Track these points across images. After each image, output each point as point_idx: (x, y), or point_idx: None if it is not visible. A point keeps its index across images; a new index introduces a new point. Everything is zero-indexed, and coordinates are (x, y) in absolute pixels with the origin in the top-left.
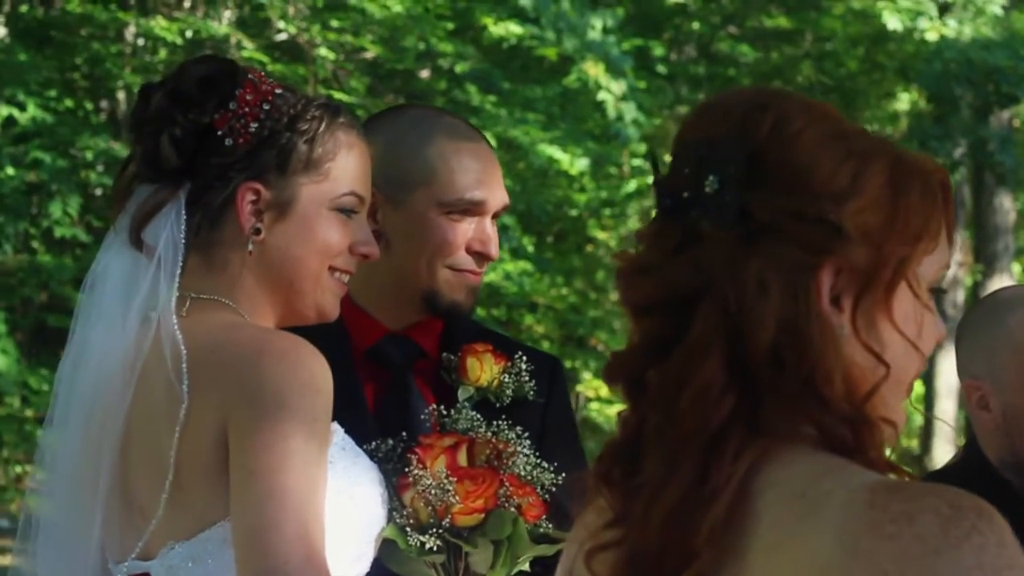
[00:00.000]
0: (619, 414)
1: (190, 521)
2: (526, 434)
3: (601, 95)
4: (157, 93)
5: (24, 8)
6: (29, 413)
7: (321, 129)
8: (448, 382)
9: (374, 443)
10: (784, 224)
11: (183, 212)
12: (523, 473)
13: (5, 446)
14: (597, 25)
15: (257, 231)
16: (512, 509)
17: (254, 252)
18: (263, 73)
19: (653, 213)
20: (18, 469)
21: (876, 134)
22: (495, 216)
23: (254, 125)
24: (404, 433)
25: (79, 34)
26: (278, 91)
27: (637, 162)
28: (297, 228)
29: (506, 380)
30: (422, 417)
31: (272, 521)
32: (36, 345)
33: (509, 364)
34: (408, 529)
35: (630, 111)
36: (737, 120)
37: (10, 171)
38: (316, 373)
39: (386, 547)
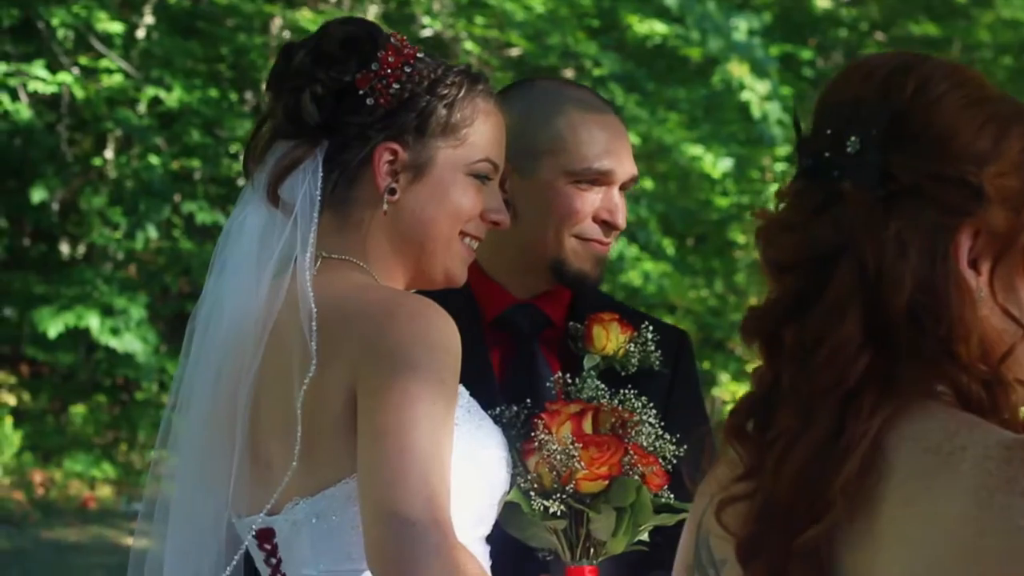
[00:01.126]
0: (754, 370)
1: (315, 478)
2: (651, 404)
3: (745, 95)
4: (300, 51)
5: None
6: (167, 400)
7: (460, 95)
8: (574, 351)
9: (499, 408)
10: (924, 185)
11: (320, 169)
12: (647, 443)
13: (142, 431)
14: (742, 27)
15: (392, 191)
16: (636, 477)
17: (388, 212)
18: (405, 38)
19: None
20: (153, 454)
21: (1018, 101)
22: (623, 187)
23: (395, 86)
24: (529, 400)
25: (225, 25)
26: (419, 55)
27: (780, 166)
28: (431, 190)
29: (632, 349)
30: (548, 385)
31: (399, 480)
32: (176, 332)
33: (635, 334)
34: (532, 493)
35: (775, 112)
36: (880, 82)
37: (154, 159)
38: (446, 334)
39: (508, 511)
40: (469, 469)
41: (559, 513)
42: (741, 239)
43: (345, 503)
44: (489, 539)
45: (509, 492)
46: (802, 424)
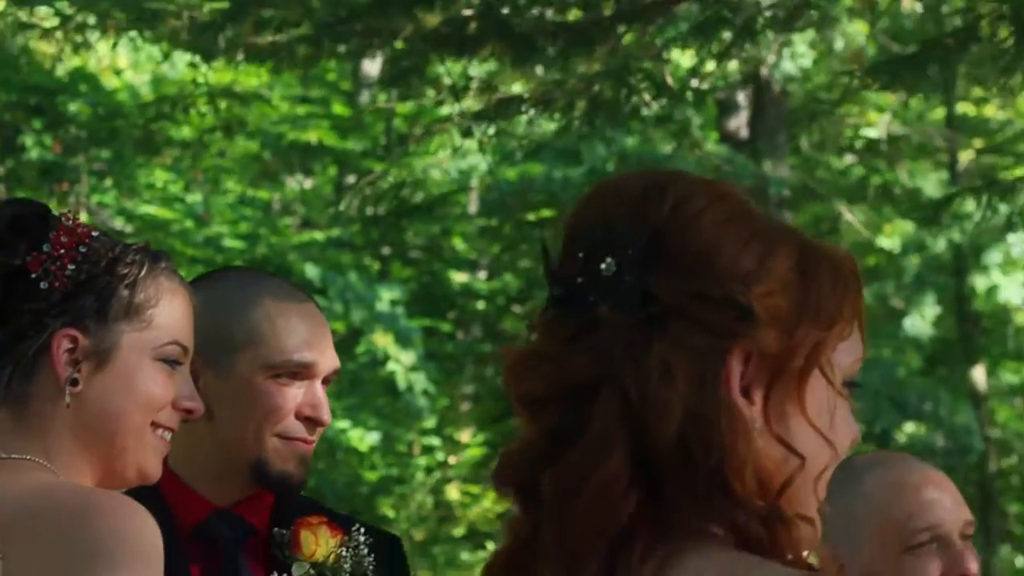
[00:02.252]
0: (509, 521)
1: None
2: None
3: (391, 366)
4: None
5: None
6: None
7: (142, 274)
8: (281, 559)
9: None
10: (689, 306)
11: None
12: None
13: None
14: (385, 296)
15: (74, 382)
16: None
17: (71, 405)
18: (77, 218)
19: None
20: None
21: (781, 221)
22: (326, 381)
23: (71, 267)
24: None
25: None
26: (95, 234)
27: (427, 440)
28: (118, 379)
29: (344, 554)
30: None
31: None
32: None
33: (346, 537)
34: None
35: (420, 381)
36: (633, 200)
37: None
38: (147, 533)
39: None
40: None
41: None
42: (391, 513)
43: None
44: None
45: None
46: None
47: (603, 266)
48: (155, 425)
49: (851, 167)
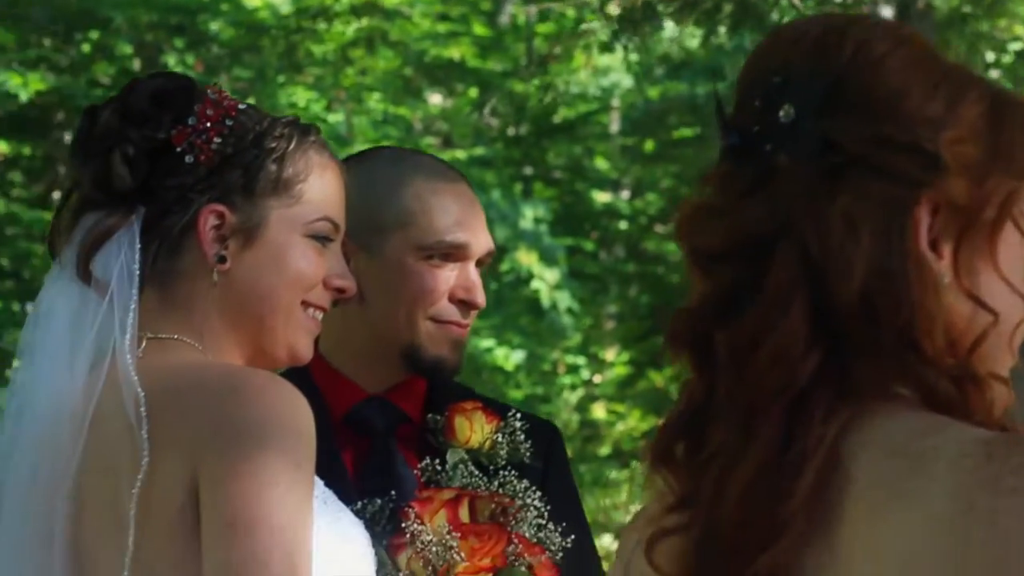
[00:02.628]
0: (683, 383)
1: None
2: (534, 488)
3: (535, 283)
4: (105, 111)
5: None
6: None
7: (291, 148)
8: (435, 446)
9: (360, 503)
10: (873, 154)
11: (137, 240)
12: (530, 533)
13: None
14: (528, 215)
15: (222, 259)
16: (523, 569)
17: (219, 284)
18: (223, 90)
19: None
20: None
21: (967, 67)
22: (480, 263)
23: (217, 141)
24: (394, 492)
25: (4, 233)
26: (241, 107)
27: (572, 359)
28: (267, 256)
29: (499, 440)
30: (409, 485)
31: None
32: None
33: (502, 423)
34: None
35: (564, 299)
36: (812, 45)
37: None
38: (298, 412)
39: None
40: (330, 567)
41: None
42: None
43: None
44: None
45: None
46: (743, 439)
47: (781, 113)
48: (306, 304)
49: (999, 80)
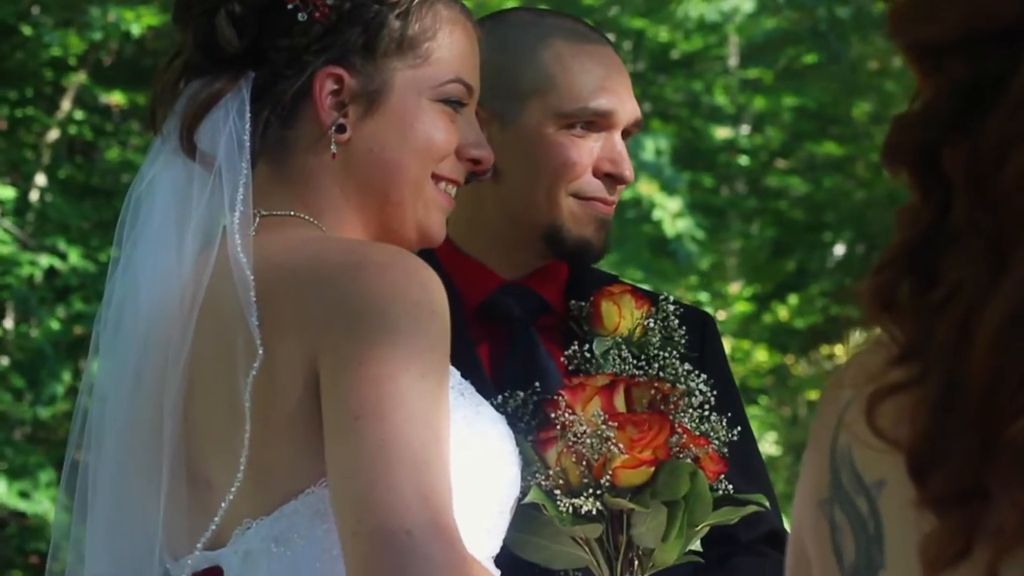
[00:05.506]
0: (901, 209)
1: (271, 491)
2: (696, 372)
3: (657, 213)
4: None
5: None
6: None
7: (416, 1)
8: (580, 335)
9: (500, 396)
10: None
11: (247, 107)
12: (692, 424)
13: None
14: (649, 146)
15: (341, 128)
16: (688, 462)
17: (338, 155)
18: None
19: None
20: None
21: None
22: (626, 134)
23: None
24: (538, 384)
25: (121, 182)
26: None
27: (694, 295)
28: (391, 124)
29: (651, 326)
30: (553, 379)
31: (386, 478)
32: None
33: (653, 309)
34: (557, 492)
35: (688, 227)
36: None
37: (55, 325)
38: (430, 289)
39: (522, 528)
40: (470, 466)
41: (594, 513)
42: None
43: (312, 520)
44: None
45: (522, 496)
46: (992, 271)
47: None
48: (436, 177)
49: None
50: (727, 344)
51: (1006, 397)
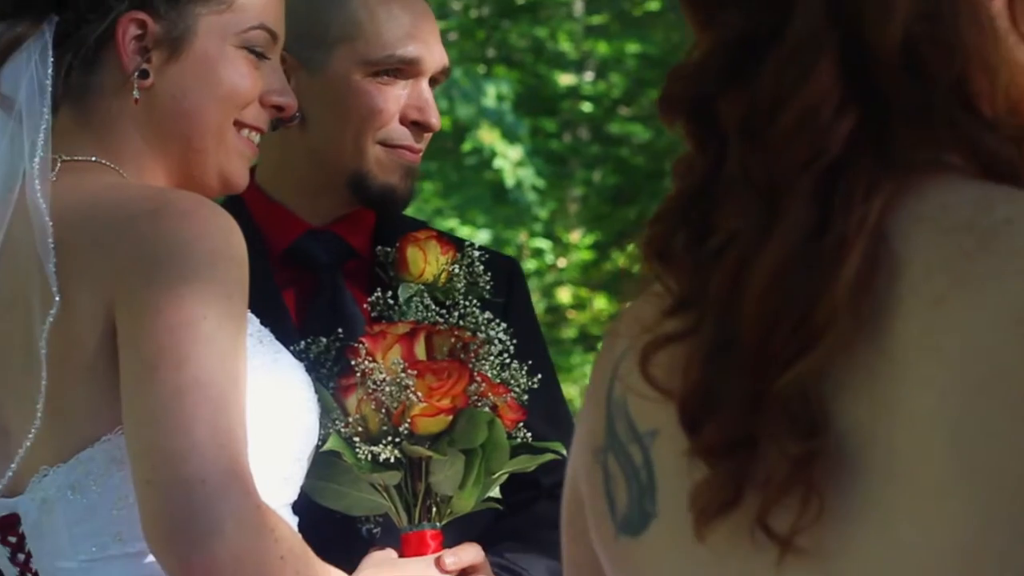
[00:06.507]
0: (678, 161)
1: (68, 438)
2: (497, 320)
3: (498, 162)
4: None
5: None
6: None
7: None
8: (386, 281)
9: (303, 343)
10: None
11: (49, 51)
12: (493, 372)
13: None
14: (491, 92)
15: (144, 74)
16: (486, 410)
17: (140, 100)
18: None
19: None
20: None
21: None
22: (434, 81)
23: None
24: (341, 330)
25: None
26: None
27: (536, 243)
28: (194, 70)
29: (456, 272)
30: (358, 325)
31: (180, 425)
32: None
33: (459, 255)
34: (356, 440)
35: (528, 176)
36: None
37: None
38: (229, 238)
39: (321, 474)
40: (267, 413)
41: (393, 460)
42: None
43: (108, 467)
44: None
45: (321, 443)
46: (764, 222)
47: None
48: (240, 125)
49: None
50: (567, 292)
51: (777, 347)
